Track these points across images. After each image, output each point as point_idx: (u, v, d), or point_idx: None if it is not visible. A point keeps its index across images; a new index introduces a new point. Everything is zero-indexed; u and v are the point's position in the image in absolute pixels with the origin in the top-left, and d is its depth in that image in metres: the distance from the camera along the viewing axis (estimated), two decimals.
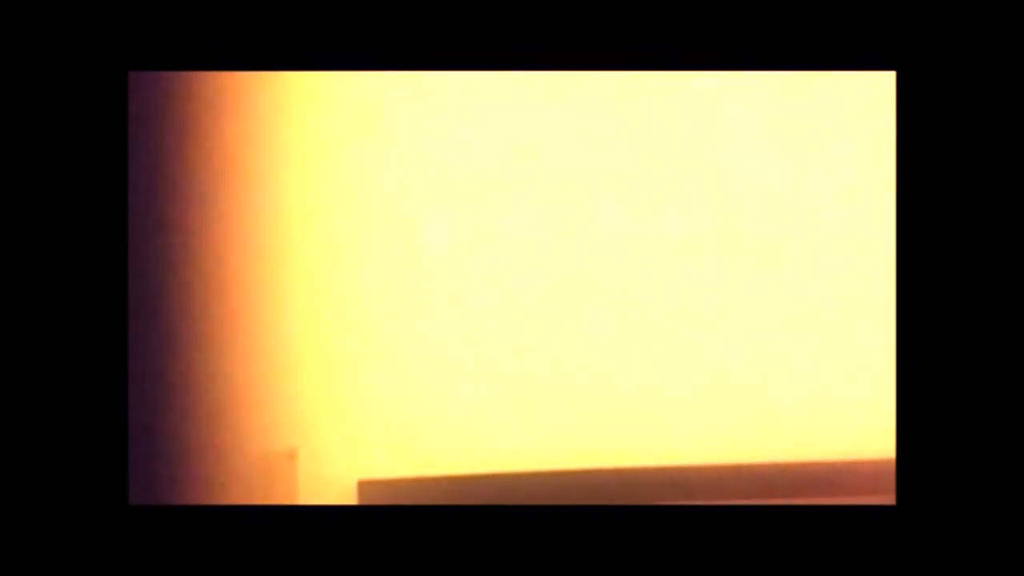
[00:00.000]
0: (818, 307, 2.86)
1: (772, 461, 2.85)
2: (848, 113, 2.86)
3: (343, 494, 2.97)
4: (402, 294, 3.01)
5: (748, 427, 2.88)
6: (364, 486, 2.97)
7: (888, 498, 2.82)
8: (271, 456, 3.04)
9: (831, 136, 2.86)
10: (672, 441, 2.89)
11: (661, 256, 2.91)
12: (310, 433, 3.04)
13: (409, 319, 3.01)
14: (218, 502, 3.05)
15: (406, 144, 3.02)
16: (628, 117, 2.93)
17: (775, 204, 2.87)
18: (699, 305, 2.90)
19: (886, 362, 2.83)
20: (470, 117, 2.99)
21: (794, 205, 2.86)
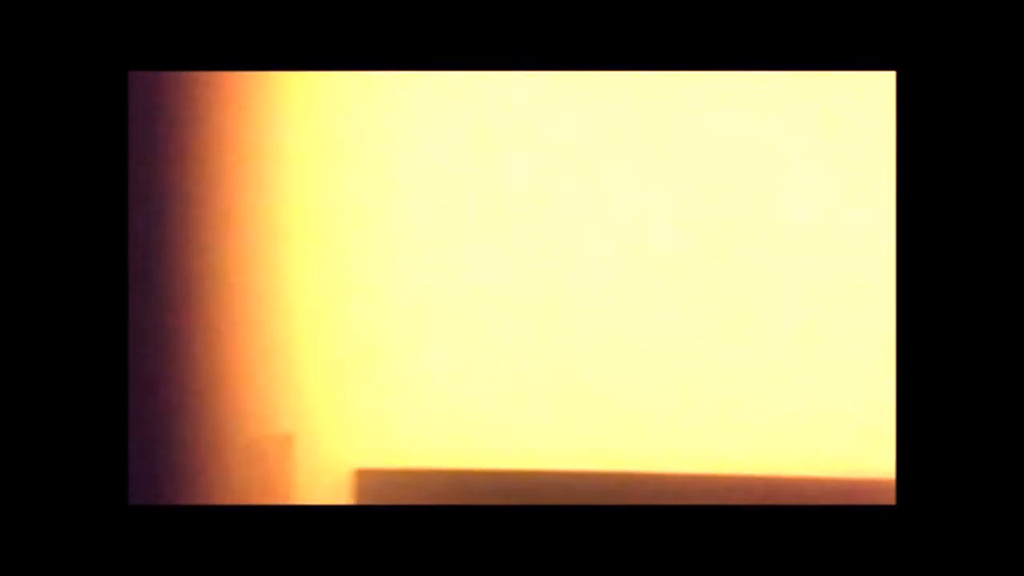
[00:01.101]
0: (818, 308, 2.86)
1: (775, 474, 2.86)
2: (848, 113, 2.86)
3: (338, 481, 2.97)
4: (399, 292, 3.01)
5: (750, 436, 2.88)
6: (360, 475, 2.97)
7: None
8: (266, 441, 3.04)
9: (831, 136, 2.86)
10: (676, 446, 2.89)
11: (659, 258, 2.91)
12: (307, 421, 3.04)
13: (408, 316, 3.01)
14: (218, 497, 3.05)
15: (405, 144, 3.02)
16: (627, 118, 2.93)
17: (775, 205, 2.87)
18: (698, 307, 2.90)
19: (886, 364, 2.84)
20: (470, 117, 2.99)
21: (793, 206, 2.87)
